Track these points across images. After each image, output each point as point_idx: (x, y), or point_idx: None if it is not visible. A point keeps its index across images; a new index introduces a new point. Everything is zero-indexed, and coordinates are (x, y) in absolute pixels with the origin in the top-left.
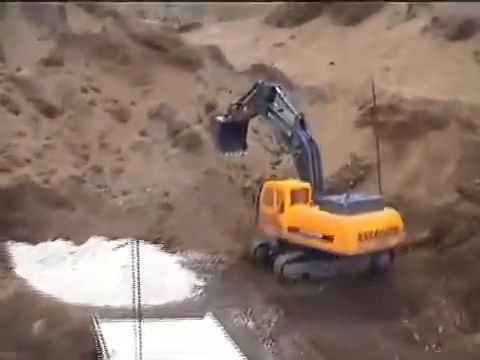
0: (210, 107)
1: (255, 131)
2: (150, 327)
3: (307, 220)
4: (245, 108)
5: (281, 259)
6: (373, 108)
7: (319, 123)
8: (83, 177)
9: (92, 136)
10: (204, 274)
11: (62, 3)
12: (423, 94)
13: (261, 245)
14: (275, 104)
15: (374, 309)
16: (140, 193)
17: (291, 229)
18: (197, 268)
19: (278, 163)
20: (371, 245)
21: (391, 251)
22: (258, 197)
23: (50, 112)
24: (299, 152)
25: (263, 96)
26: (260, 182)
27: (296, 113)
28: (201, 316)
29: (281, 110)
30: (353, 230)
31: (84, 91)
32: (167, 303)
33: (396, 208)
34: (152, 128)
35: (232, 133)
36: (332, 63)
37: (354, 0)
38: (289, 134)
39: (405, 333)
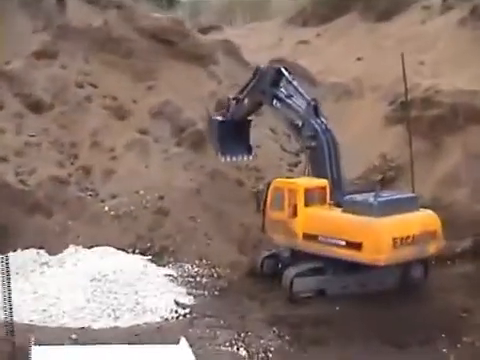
0: (222, 105)
1: (272, 130)
2: (96, 354)
3: (327, 224)
4: (246, 100)
5: (291, 272)
6: (405, 99)
7: (344, 121)
8: (67, 178)
9: (84, 134)
10: (196, 291)
11: None
12: (463, 86)
13: (269, 257)
14: (282, 89)
15: (404, 334)
16: (131, 196)
17: (307, 236)
18: (189, 284)
19: (297, 165)
20: (407, 253)
21: (425, 263)
22: (265, 199)
23: (38, 107)
24: (312, 144)
25: (267, 81)
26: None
27: (308, 98)
28: (175, 342)
29: (290, 96)
30: (386, 235)
31: (79, 86)
32: (136, 325)
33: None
34: (154, 126)
35: (233, 134)
36: (360, 59)
37: None
38: (300, 123)
39: None
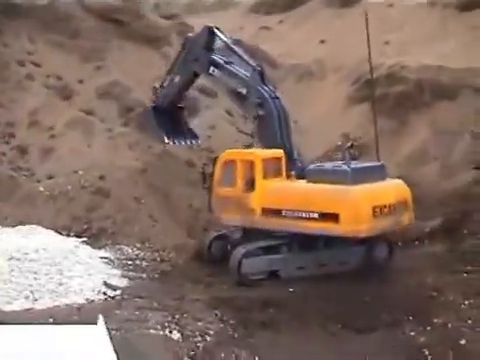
0: None
1: (227, 112)
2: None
3: (293, 197)
4: (177, 78)
5: (239, 252)
6: (371, 76)
7: (306, 102)
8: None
9: (23, 113)
10: (133, 273)
11: None
12: (430, 62)
13: (218, 238)
14: (219, 55)
15: (367, 317)
16: (69, 176)
17: (267, 212)
18: (126, 267)
19: (252, 146)
20: (385, 223)
21: (389, 242)
22: (211, 174)
23: None
24: (261, 113)
25: (200, 44)
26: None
27: (253, 64)
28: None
29: (229, 62)
30: (366, 204)
31: (21, 65)
32: (54, 306)
33: None
34: (100, 107)
35: (170, 122)
36: (323, 41)
37: None
38: (244, 91)
39: (411, 347)
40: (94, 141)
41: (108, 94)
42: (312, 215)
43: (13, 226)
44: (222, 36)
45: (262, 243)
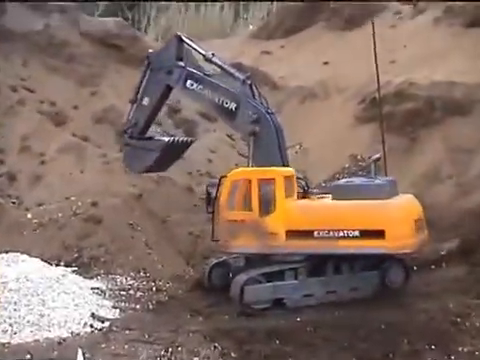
0: (173, 110)
1: (229, 136)
2: None
3: (329, 215)
4: (145, 100)
5: (241, 278)
6: (378, 93)
7: (310, 123)
8: None
9: (13, 139)
10: (125, 304)
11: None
12: (440, 78)
13: (218, 265)
14: (192, 67)
15: (383, 346)
16: (60, 203)
17: (294, 234)
18: (118, 297)
19: None
20: (422, 238)
21: (405, 265)
22: (215, 197)
23: None
24: (257, 129)
25: (170, 55)
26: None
27: (240, 76)
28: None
29: (208, 75)
30: (410, 218)
31: (13, 90)
32: (34, 341)
33: None
34: (95, 132)
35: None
36: (326, 63)
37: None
38: (234, 107)
39: None
40: (87, 167)
41: (104, 119)
42: (352, 233)
43: None
44: (195, 46)
45: (266, 269)
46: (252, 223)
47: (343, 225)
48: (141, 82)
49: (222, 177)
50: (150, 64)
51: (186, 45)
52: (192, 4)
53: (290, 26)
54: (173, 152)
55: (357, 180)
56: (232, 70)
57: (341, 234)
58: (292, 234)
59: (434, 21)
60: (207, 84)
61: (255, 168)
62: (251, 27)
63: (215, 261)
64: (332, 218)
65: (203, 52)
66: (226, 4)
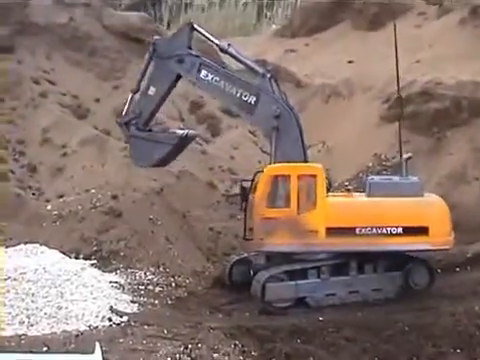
0: (195, 105)
1: (251, 132)
2: None
3: (372, 212)
4: (151, 89)
5: (262, 276)
6: (398, 91)
7: (334, 122)
8: (6, 175)
9: (34, 131)
10: (144, 299)
11: None
12: (467, 78)
13: (239, 262)
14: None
15: (406, 349)
16: (80, 196)
17: (335, 232)
18: (137, 291)
19: None
20: (454, 237)
21: (429, 267)
22: (247, 196)
23: None
24: (276, 124)
25: (182, 44)
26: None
27: (260, 70)
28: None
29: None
30: (449, 215)
31: (35, 82)
32: (51, 333)
33: None
34: (116, 126)
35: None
36: (351, 62)
37: None
38: (253, 100)
39: None
40: (108, 160)
41: None
42: (395, 230)
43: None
44: (209, 35)
45: (287, 267)
46: (290, 220)
47: (386, 222)
48: (145, 71)
49: (257, 172)
50: (157, 52)
51: (199, 34)
52: (215, 1)
53: (314, 25)
54: (182, 146)
55: (394, 178)
56: (250, 63)
57: (384, 231)
58: (333, 231)
59: (460, 22)
60: (223, 75)
61: (294, 164)
62: (274, 26)
63: (236, 258)
64: (375, 215)
65: (218, 42)
66: (250, 2)
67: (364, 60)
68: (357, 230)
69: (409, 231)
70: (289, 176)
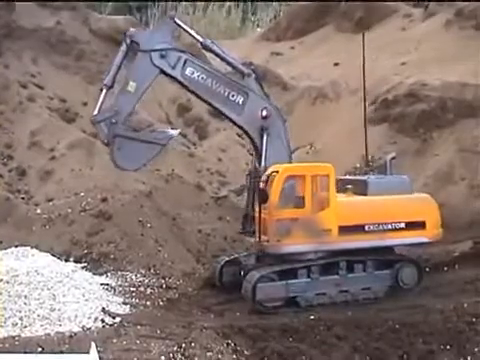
0: (183, 109)
1: (239, 135)
2: None
3: (378, 210)
4: (131, 85)
5: (253, 276)
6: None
7: (321, 124)
8: None
9: (22, 135)
10: (135, 300)
11: None
12: (453, 79)
13: (229, 263)
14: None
15: (397, 346)
16: (69, 199)
17: (347, 230)
18: (128, 293)
19: None
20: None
21: (417, 265)
22: (267, 198)
23: None
24: (264, 125)
25: (166, 36)
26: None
27: (244, 69)
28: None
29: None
30: (438, 210)
31: (23, 86)
32: (44, 334)
33: None
34: None
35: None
36: (337, 64)
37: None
38: (240, 100)
39: None
40: (96, 163)
41: None
42: (399, 226)
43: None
44: (192, 31)
45: (278, 267)
46: (305, 220)
47: (392, 218)
48: (119, 65)
49: (272, 173)
50: (137, 45)
51: (181, 29)
52: (200, 5)
53: (300, 28)
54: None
55: (388, 177)
56: (234, 61)
57: (389, 227)
58: (345, 229)
59: (445, 24)
60: (210, 73)
61: (308, 164)
62: (259, 29)
63: (226, 259)
64: (382, 212)
65: (201, 39)
66: (233, 5)
67: (350, 63)
68: (366, 227)
69: (410, 226)
70: (304, 176)
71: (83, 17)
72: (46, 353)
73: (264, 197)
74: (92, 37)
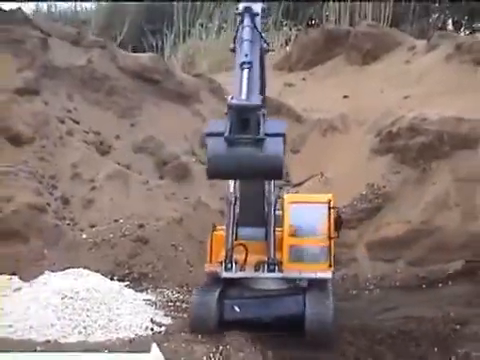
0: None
1: None
2: None
3: None
4: None
5: None
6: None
7: (331, 154)
8: (45, 207)
9: (64, 167)
10: (175, 313)
11: (45, 36)
12: (452, 115)
13: None
14: None
15: (395, 350)
16: (110, 225)
17: None
18: (167, 307)
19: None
20: None
21: None
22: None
23: (17, 141)
24: None
25: None
26: None
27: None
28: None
29: None
30: None
31: (61, 122)
32: (108, 340)
33: (424, 236)
34: (136, 161)
35: None
36: (346, 96)
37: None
38: None
39: None
40: (132, 193)
41: (144, 149)
42: None
43: (61, 270)
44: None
45: None
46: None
47: None
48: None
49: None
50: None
51: None
52: (212, 29)
53: (310, 59)
54: None
55: None
56: None
57: None
58: None
59: (446, 58)
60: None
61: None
62: (271, 53)
63: None
64: None
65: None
66: None
67: (358, 95)
68: None
69: None
70: None
71: (111, 55)
72: (114, 352)
73: (339, 225)
74: (120, 74)
